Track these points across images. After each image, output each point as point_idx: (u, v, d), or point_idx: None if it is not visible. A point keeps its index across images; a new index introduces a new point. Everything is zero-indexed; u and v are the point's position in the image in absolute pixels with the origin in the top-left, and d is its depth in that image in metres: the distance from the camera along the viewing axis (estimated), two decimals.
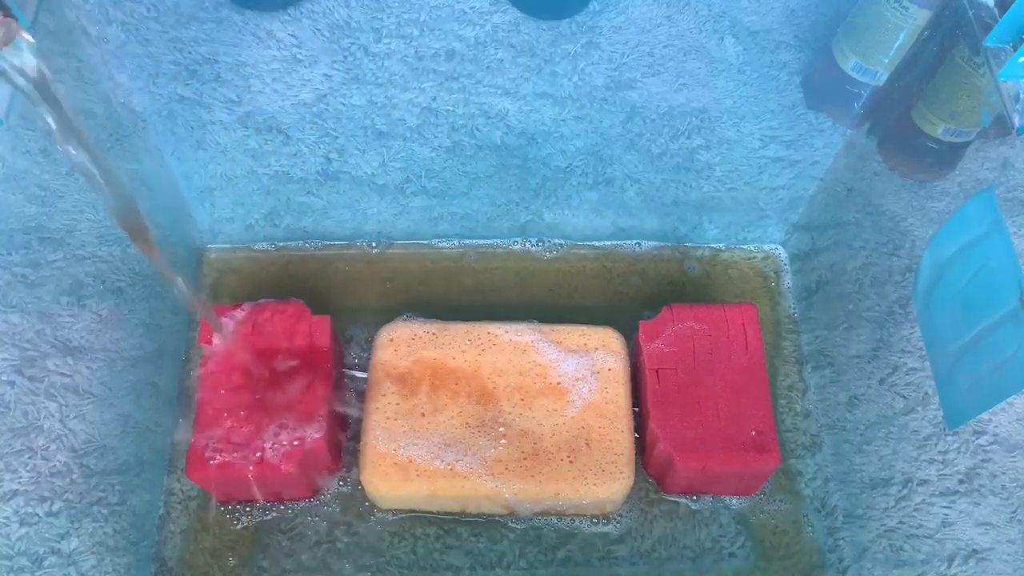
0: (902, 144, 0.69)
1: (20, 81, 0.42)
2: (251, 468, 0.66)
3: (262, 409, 0.69)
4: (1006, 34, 0.53)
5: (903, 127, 0.67)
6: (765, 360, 0.73)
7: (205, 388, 0.69)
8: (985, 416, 0.62)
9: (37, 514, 0.60)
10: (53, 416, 0.62)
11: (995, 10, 0.54)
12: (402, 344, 0.74)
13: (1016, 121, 0.52)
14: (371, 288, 0.85)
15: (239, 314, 0.72)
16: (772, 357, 0.82)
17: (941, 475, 0.65)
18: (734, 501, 0.75)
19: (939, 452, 0.65)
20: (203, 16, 0.66)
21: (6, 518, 0.58)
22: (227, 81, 0.70)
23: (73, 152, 0.45)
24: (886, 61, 0.66)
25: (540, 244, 0.87)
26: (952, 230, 0.56)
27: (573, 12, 0.68)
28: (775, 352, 0.83)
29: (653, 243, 0.88)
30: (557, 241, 0.88)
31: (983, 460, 0.63)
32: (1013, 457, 0.62)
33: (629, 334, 0.76)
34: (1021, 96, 0.52)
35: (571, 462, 0.69)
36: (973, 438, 0.63)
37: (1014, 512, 0.62)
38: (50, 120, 0.43)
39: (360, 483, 0.71)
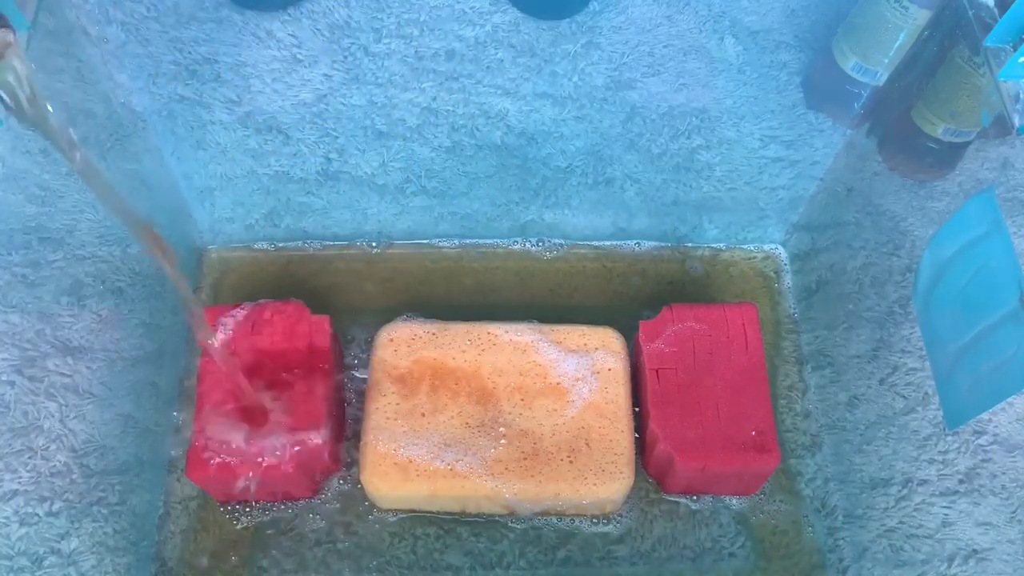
0: (902, 144, 0.69)
1: (9, 103, 0.41)
2: (251, 468, 0.66)
3: (262, 409, 0.69)
4: (1006, 34, 0.53)
5: (903, 127, 0.67)
6: (765, 360, 0.73)
7: (205, 388, 0.69)
8: (985, 416, 0.62)
9: (37, 514, 0.60)
10: (53, 416, 0.62)
11: (995, 10, 0.54)
12: (402, 344, 0.74)
13: (1016, 121, 0.52)
14: (371, 288, 0.85)
15: (239, 314, 0.72)
16: (772, 357, 0.82)
17: (941, 475, 0.65)
18: (734, 501, 0.75)
19: (939, 452, 0.65)
20: (203, 16, 0.66)
21: (6, 518, 0.58)
22: (227, 81, 0.70)
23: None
24: (886, 61, 0.66)
25: (540, 244, 0.87)
26: (952, 230, 0.56)
27: (573, 12, 0.68)
28: (775, 352, 0.83)
29: (653, 243, 0.88)
30: (557, 241, 0.88)
31: (983, 460, 0.63)
32: (1013, 457, 0.62)
33: (629, 334, 0.76)
34: (1021, 96, 0.52)
35: (571, 462, 0.69)
36: (973, 438, 0.63)
37: (1014, 512, 0.62)
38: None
39: (360, 483, 0.71)
